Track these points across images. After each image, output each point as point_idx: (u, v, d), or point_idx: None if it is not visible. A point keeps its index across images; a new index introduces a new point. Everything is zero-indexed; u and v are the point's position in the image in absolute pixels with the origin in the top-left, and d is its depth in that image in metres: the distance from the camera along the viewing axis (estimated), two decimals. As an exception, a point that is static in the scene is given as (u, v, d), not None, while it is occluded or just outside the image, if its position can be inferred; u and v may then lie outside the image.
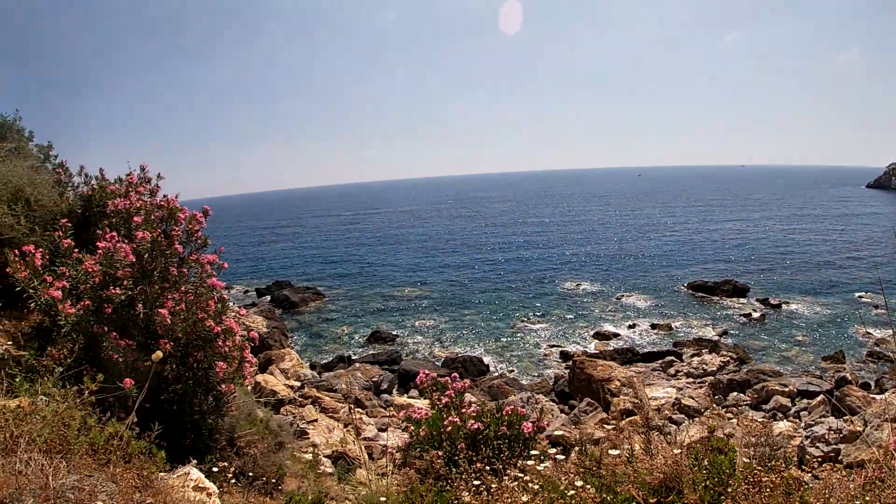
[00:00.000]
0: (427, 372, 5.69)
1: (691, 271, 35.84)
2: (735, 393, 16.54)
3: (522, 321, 27.08)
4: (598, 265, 39.91)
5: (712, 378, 17.93)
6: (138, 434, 3.26)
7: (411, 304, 31.30)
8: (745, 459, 3.30)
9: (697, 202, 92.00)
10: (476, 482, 3.40)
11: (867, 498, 2.36)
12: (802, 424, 12.92)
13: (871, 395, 13.91)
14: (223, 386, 4.78)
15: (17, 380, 3.33)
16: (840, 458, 9.70)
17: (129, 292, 4.34)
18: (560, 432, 11.53)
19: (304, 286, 34.86)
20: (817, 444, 10.59)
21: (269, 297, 32.93)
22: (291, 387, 15.20)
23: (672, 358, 20.37)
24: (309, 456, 7.54)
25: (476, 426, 4.78)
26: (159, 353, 3.27)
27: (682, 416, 14.32)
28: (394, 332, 25.75)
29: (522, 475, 3.34)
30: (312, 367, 20.06)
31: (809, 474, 6.05)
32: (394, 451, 5.34)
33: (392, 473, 4.89)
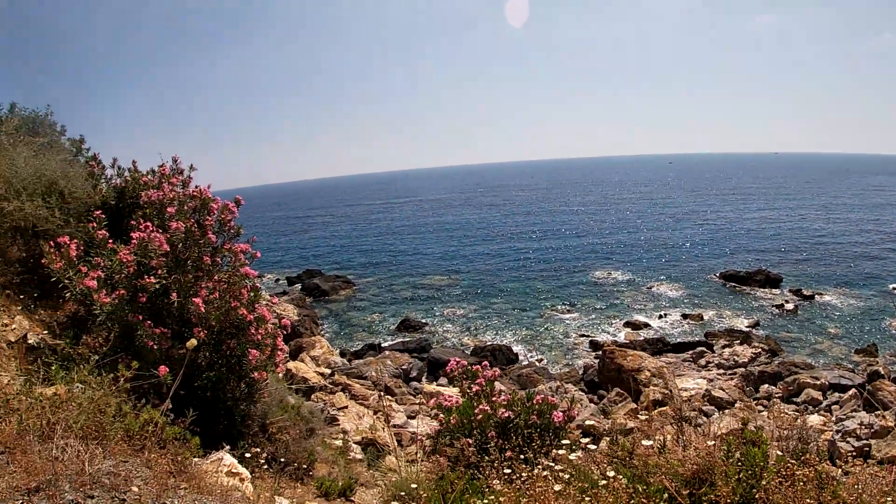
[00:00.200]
0: (458, 360, 5.67)
1: (724, 261, 34.89)
2: (766, 385, 16.15)
3: (552, 310, 26.82)
4: (630, 254, 39.17)
5: (743, 370, 17.50)
6: (172, 420, 3.32)
7: (440, 292, 31.32)
8: (777, 453, 3.20)
9: (731, 190, 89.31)
10: (507, 471, 3.37)
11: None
12: (833, 418, 12.53)
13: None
14: (256, 373, 4.85)
15: (54, 368, 3.41)
16: (871, 453, 9.39)
17: (164, 281, 4.41)
18: (590, 422, 11.43)
19: (335, 275, 35.24)
20: (848, 439, 10.27)
21: (299, 286, 33.45)
22: (322, 374, 15.38)
23: (703, 349, 19.90)
24: (339, 442, 7.62)
25: (507, 415, 4.74)
26: (193, 341, 3.31)
27: (713, 407, 14.01)
28: (423, 321, 25.82)
29: (553, 464, 3.29)
30: (342, 354, 20.30)
31: (840, 469, 5.85)
32: (423, 439, 5.34)
33: (421, 461, 4.89)
